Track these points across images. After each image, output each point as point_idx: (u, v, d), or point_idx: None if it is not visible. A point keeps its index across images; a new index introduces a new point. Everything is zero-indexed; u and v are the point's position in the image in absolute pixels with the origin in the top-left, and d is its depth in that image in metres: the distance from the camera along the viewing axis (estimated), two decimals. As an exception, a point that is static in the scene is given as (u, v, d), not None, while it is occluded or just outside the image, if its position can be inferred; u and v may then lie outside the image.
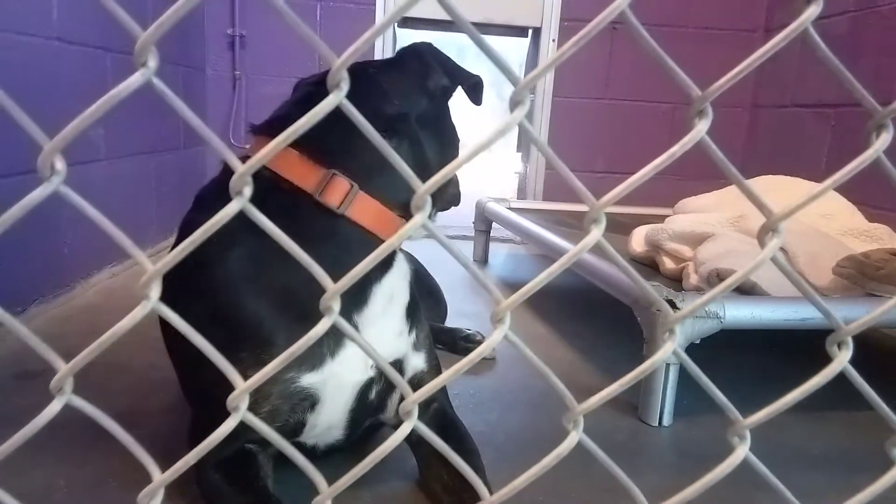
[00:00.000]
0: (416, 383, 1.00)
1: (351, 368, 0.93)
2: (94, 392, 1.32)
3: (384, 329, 0.96)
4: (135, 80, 0.30)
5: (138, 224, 2.41)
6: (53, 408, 0.34)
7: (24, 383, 1.34)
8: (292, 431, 0.94)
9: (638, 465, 1.19)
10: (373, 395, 0.97)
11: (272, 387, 0.88)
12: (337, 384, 0.92)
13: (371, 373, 0.95)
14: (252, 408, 0.91)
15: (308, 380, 0.90)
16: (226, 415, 0.36)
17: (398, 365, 0.99)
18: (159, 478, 0.35)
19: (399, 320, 0.98)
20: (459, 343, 1.67)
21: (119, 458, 1.05)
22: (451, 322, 1.83)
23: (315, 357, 0.90)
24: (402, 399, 1.04)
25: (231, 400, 0.34)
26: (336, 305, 0.34)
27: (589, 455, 0.43)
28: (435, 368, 1.05)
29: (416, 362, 1.02)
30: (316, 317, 0.36)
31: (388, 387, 0.99)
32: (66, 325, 1.70)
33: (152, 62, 0.30)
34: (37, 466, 1.04)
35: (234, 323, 0.88)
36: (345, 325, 0.37)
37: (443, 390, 1.10)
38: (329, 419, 0.95)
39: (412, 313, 1.01)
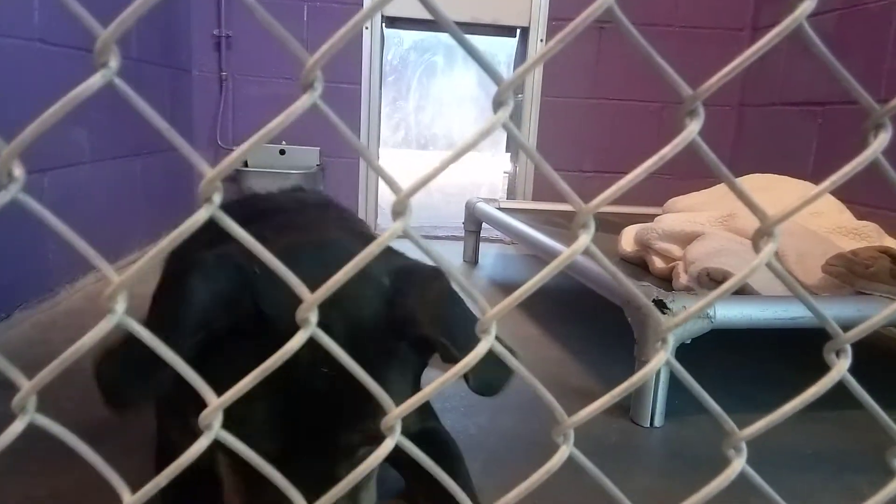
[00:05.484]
0: None
1: None
2: (76, 401, 1.29)
3: None
4: (94, 81, 0.28)
5: (125, 227, 2.38)
6: (15, 428, 0.33)
7: (4, 393, 1.31)
8: None
9: (630, 466, 1.18)
10: None
11: None
12: None
13: None
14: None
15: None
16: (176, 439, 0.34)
17: None
18: (128, 500, 0.33)
19: None
20: None
21: (101, 467, 1.03)
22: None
23: None
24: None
25: (203, 417, 0.33)
26: (313, 318, 0.33)
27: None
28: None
29: None
30: None
31: None
32: (50, 331, 1.67)
33: (113, 62, 0.28)
34: (16, 476, 1.02)
35: None
36: (322, 336, 0.35)
37: (430, 411, 1.09)
38: None
39: None
